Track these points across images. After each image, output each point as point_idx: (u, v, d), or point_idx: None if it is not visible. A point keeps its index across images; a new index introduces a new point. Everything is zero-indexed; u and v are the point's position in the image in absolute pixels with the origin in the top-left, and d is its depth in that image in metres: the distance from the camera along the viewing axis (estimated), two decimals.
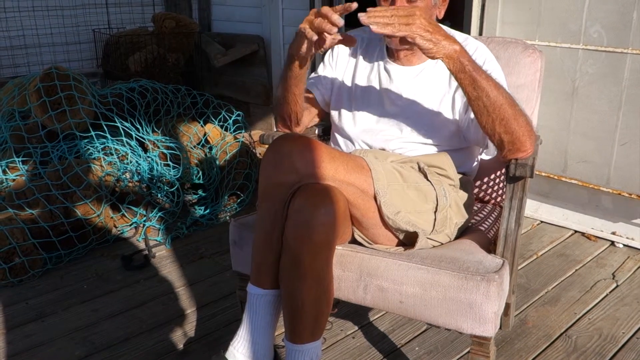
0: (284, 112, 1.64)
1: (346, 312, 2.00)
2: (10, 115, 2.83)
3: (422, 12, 1.28)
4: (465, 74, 1.33)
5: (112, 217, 2.61)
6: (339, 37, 1.36)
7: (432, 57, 1.31)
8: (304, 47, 1.39)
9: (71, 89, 2.75)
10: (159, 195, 2.76)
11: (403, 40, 1.30)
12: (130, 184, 2.69)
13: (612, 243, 2.51)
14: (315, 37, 1.34)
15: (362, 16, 1.25)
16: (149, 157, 2.78)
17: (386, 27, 1.25)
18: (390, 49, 1.63)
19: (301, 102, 1.60)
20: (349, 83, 1.70)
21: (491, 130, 1.39)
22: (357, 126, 1.66)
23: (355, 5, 1.31)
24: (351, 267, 1.43)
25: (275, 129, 1.78)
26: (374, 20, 1.24)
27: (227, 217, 2.80)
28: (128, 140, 2.77)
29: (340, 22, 1.30)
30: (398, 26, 1.25)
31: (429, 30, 1.27)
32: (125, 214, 2.67)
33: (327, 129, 1.89)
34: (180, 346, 1.86)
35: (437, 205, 1.47)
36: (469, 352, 1.42)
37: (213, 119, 3.18)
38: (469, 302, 1.31)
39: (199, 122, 3.12)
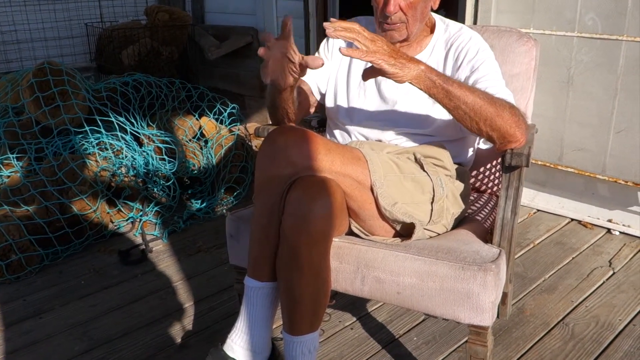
0: (277, 119, 1.64)
1: (344, 304, 2.01)
2: (4, 112, 2.81)
3: (384, 40, 1.30)
4: (437, 89, 1.33)
5: (108, 213, 2.60)
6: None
7: (400, 81, 1.32)
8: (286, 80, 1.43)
9: (64, 84, 2.74)
10: (155, 189, 2.75)
11: (367, 74, 1.33)
12: (125, 179, 2.69)
13: (609, 231, 2.52)
14: (290, 80, 1.43)
15: (327, 27, 1.25)
16: (144, 151, 2.77)
17: (354, 52, 1.26)
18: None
19: (293, 108, 1.60)
20: (344, 75, 1.69)
21: (477, 130, 1.39)
22: (353, 118, 1.66)
23: (289, 19, 1.33)
24: (348, 259, 1.43)
25: (270, 122, 1.77)
26: (339, 34, 1.25)
27: (224, 211, 2.80)
28: (123, 135, 2.76)
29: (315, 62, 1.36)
30: (365, 53, 1.26)
31: (393, 56, 1.28)
32: (122, 209, 2.66)
33: (322, 121, 1.88)
34: (179, 340, 1.86)
35: (433, 195, 1.46)
36: (466, 341, 1.42)
37: (208, 112, 3.17)
38: (466, 291, 1.32)
39: (194, 116, 3.11)
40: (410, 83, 1.33)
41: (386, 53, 1.28)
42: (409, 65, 1.30)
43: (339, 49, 1.26)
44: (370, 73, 1.33)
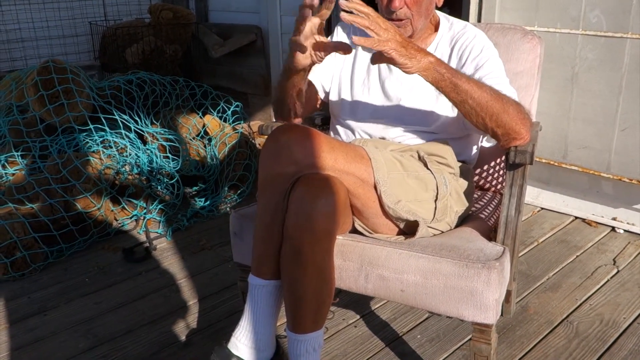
0: (284, 111, 1.64)
1: (348, 302, 2.01)
2: (8, 110, 2.82)
3: (396, 30, 1.29)
4: (445, 82, 1.33)
5: (112, 210, 2.61)
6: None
7: (408, 72, 1.31)
8: (301, 61, 1.40)
9: (69, 82, 2.74)
10: (159, 187, 2.75)
11: (376, 58, 1.31)
12: (129, 177, 2.69)
13: (613, 229, 2.51)
14: (309, 61, 1.39)
15: (342, 6, 1.24)
16: (148, 149, 2.78)
17: (367, 41, 1.25)
18: None
19: (300, 101, 1.59)
20: (348, 73, 1.69)
21: (483, 126, 1.39)
22: (357, 116, 1.66)
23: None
24: (352, 257, 1.43)
25: (274, 120, 1.77)
26: (354, 19, 1.24)
27: (228, 209, 2.80)
28: (127, 133, 2.77)
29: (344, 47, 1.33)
30: (377, 41, 1.25)
31: (404, 46, 1.28)
32: (126, 207, 2.67)
33: (326, 119, 1.88)
34: (183, 337, 1.87)
35: (437, 193, 1.46)
36: (470, 339, 1.42)
37: (212, 110, 3.17)
38: (470, 289, 1.32)
39: (198, 114, 3.12)
40: (418, 74, 1.33)
41: (398, 43, 1.28)
42: (419, 57, 1.30)
43: (352, 37, 1.25)
44: (380, 58, 1.32)
